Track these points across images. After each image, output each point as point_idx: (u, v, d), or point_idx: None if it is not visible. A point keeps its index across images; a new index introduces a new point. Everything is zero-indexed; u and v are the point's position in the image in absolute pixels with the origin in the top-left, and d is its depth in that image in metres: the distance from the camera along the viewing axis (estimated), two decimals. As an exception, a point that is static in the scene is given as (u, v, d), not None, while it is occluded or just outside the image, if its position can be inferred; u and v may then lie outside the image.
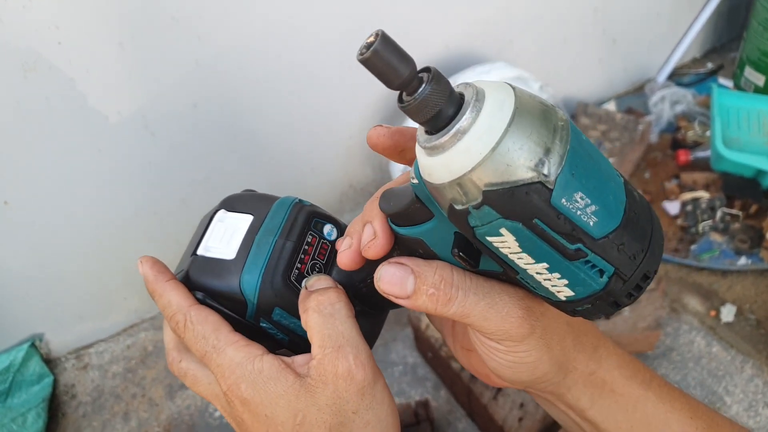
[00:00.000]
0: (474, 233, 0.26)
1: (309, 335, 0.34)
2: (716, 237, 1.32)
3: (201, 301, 0.36)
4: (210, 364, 0.34)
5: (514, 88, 0.25)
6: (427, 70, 0.24)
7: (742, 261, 1.27)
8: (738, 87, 1.68)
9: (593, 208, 0.24)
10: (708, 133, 1.54)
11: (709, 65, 1.84)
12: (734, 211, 1.34)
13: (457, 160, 0.24)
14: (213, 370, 0.34)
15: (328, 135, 1.34)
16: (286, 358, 0.34)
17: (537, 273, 0.27)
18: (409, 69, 0.24)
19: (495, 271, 0.31)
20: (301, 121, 1.26)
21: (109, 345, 1.32)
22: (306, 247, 0.39)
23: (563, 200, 0.24)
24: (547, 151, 0.23)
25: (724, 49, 1.91)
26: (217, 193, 0.42)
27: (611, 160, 1.47)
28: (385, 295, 0.32)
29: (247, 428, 0.33)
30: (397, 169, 1.36)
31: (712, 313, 1.21)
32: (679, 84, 1.73)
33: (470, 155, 0.23)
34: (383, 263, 0.33)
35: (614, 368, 0.36)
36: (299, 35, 1.14)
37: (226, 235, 0.38)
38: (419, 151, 0.26)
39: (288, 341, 0.38)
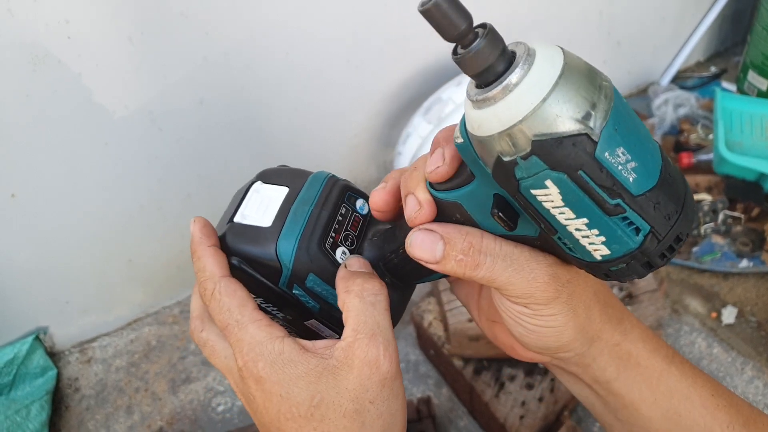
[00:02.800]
0: (519, 186, 0.27)
1: (344, 316, 0.35)
2: (718, 239, 1.32)
3: (236, 267, 0.37)
4: (230, 338, 0.35)
5: (562, 48, 0.26)
6: (483, 26, 0.26)
7: (744, 263, 1.27)
8: (741, 91, 1.69)
9: (633, 164, 0.25)
10: (711, 137, 1.55)
11: (713, 69, 1.85)
12: (736, 214, 1.34)
13: (507, 111, 0.25)
14: (232, 344, 0.35)
15: (333, 134, 1.34)
16: (305, 343, 0.35)
17: (576, 229, 0.27)
18: (466, 23, 0.25)
19: (530, 236, 0.32)
20: (306, 119, 1.27)
21: (112, 339, 1.33)
22: (339, 218, 0.40)
23: (606, 154, 0.25)
24: (593, 106, 0.25)
25: (728, 53, 1.92)
26: (223, 189, 0.42)
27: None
28: (415, 260, 0.34)
29: (257, 406, 0.34)
30: (402, 167, 1.37)
31: (713, 314, 1.21)
32: (683, 87, 1.73)
33: (521, 106, 0.25)
34: (414, 229, 0.34)
35: (638, 341, 0.37)
36: (307, 34, 1.15)
37: (263, 204, 0.39)
38: (467, 105, 0.27)
39: (319, 309, 0.39)
